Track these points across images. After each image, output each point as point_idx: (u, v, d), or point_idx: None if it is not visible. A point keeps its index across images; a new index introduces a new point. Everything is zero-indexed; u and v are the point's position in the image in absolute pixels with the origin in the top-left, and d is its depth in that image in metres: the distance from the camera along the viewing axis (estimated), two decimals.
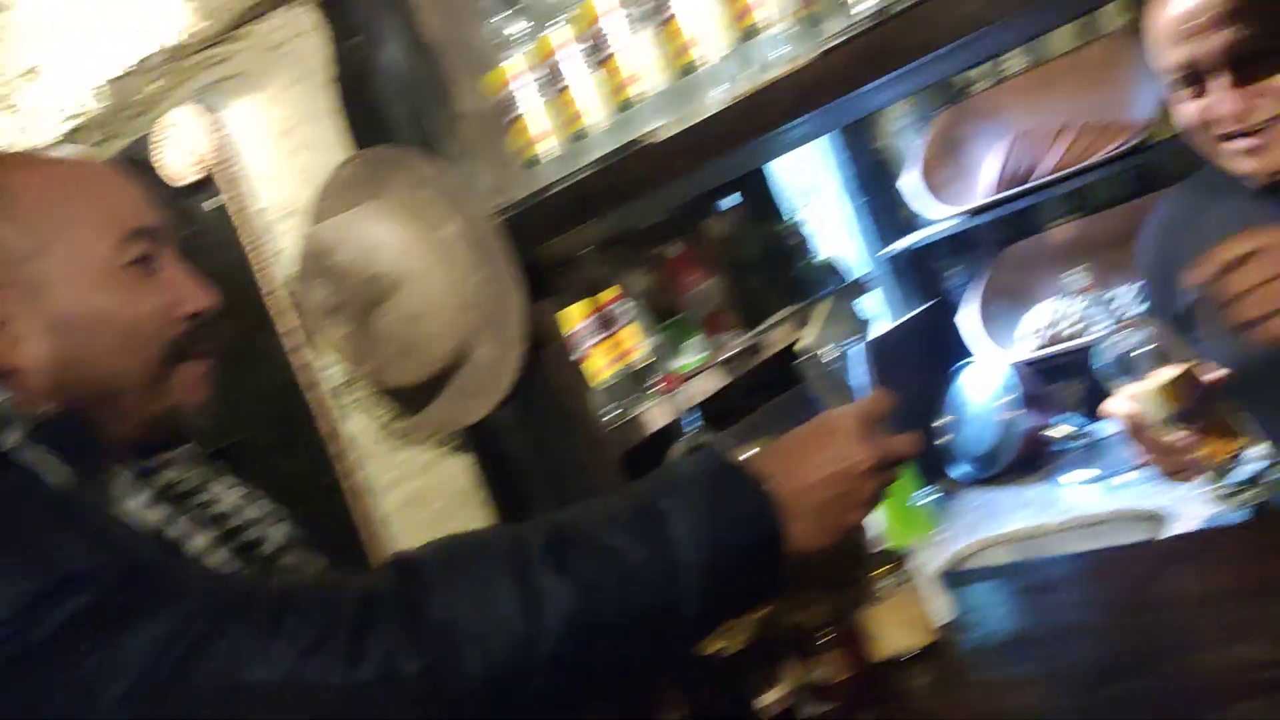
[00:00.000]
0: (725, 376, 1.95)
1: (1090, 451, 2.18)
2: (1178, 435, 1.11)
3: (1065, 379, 2.37)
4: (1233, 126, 1.21)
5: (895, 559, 1.14)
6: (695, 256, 2.07)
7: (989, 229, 2.61)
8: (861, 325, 2.24)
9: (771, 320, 2.12)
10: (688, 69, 1.33)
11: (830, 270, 2.24)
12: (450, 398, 1.73)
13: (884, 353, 2.47)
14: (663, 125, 1.37)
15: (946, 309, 2.69)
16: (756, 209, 2.30)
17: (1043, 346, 2.40)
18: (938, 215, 2.54)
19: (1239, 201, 1.30)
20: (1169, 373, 1.12)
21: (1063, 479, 2.12)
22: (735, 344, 2.01)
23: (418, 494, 1.92)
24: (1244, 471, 1.08)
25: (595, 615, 0.81)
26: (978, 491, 2.28)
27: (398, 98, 1.67)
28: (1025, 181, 2.34)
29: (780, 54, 1.21)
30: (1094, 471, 2.06)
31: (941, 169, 2.58)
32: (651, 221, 2.07)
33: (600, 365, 1.76)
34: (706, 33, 1.30)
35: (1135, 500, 1.89)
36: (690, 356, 1.91)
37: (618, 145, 1.42)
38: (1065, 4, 1.30)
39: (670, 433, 1.72)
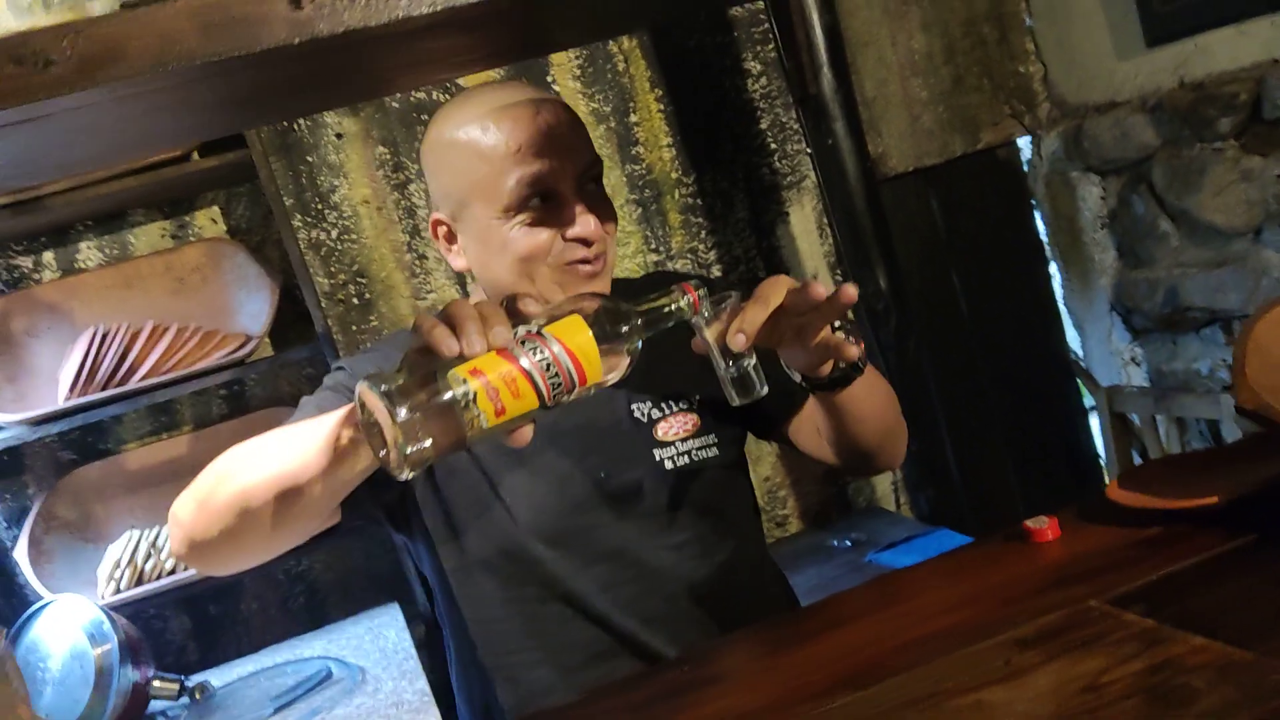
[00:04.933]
0: None
1: (202, 708, 1.83)
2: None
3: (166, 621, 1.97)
4: (586, 252, 1.12)
5: None
6: None
7: (51, 446, 2.12)
8: None
9: None
10: None
11: None
12: None
13: None
14: None
15: None
16: None
17: (121, 590, 1.98)
18: None
19: None
20: None
21: None
22: None
23: None
24: None
25: None
26: None
27: None
28: (106, 388, 1.97)
29: None
30: None
31: None
32: None
33: None
34: None
35: None
36: None
37: None
38: None
39: None
